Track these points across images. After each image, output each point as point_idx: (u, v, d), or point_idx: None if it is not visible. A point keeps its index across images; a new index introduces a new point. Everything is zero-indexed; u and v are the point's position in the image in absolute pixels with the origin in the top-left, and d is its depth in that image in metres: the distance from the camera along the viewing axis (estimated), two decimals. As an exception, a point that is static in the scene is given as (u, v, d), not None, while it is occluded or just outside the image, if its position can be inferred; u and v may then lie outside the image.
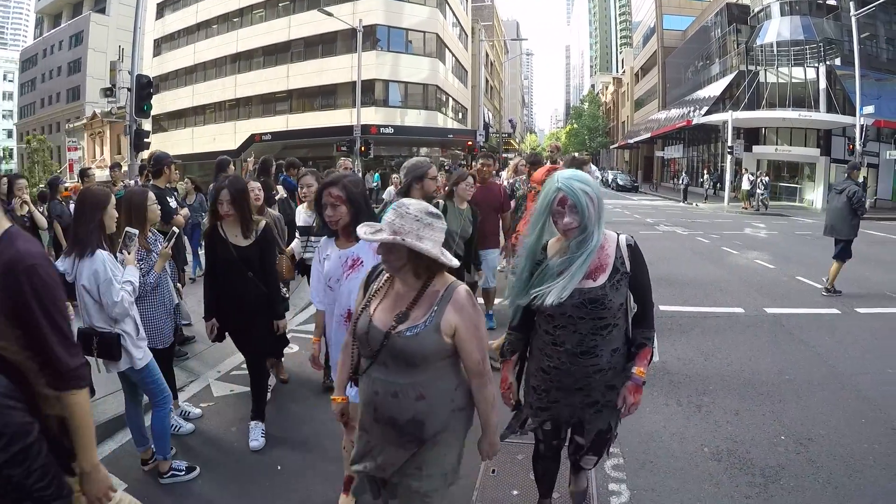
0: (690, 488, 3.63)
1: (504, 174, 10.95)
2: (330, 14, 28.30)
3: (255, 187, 5.44)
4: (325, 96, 39.34)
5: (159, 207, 4.25)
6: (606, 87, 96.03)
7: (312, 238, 5.31)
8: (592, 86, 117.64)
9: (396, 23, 38.29)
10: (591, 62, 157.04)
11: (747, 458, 3.97)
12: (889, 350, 6.39)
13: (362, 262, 3.11)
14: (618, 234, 2.60)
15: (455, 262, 2.22)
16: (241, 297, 4.17)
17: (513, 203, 7.80)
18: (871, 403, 4.92)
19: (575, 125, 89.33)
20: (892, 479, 3.73)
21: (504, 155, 44.82)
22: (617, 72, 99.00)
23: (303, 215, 5.64)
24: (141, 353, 3.54)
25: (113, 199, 3.52)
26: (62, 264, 3.36)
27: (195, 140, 43.87)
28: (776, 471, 3.80)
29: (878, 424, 4.51)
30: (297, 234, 5.74)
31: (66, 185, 10.22)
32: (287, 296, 5.25)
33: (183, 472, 3.75)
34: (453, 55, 45.25)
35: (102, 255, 3.31)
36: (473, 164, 9.68)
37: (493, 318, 6.76)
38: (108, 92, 19.43)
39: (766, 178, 29.16)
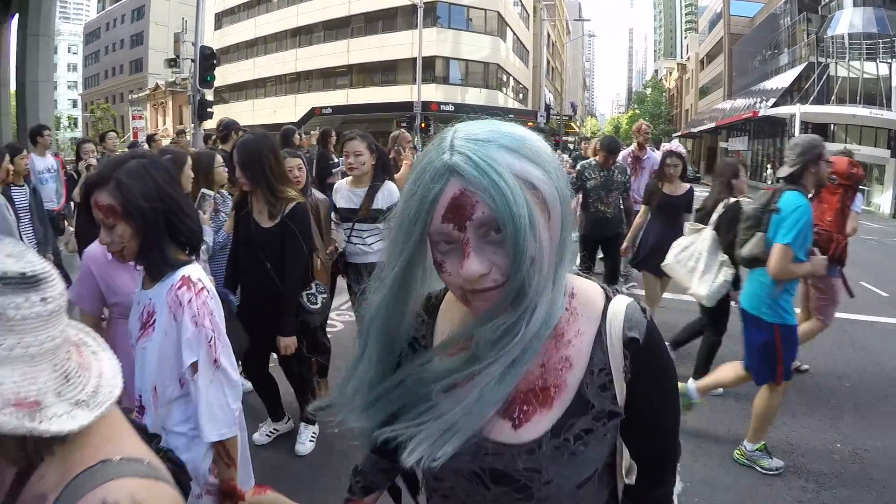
0: (743, 486, 3.67)
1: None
2: (390, -11, 28.38)
3: (295, 165, 4.06)
4: (385, 72, 39.70)
5: (226, 169, 4.30)
6: (670, 73, 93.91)
7: (359, 226, 4.21)
8: (656, 71, 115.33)
9: (457, -1, 38.14)
10: (654, 46, 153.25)
11: (801, 463, 3.98)
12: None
13: (155, 320, 1.88)
14: (607, 296, 1.05)
15: (65, 427, 0.83)
16: (256, 289, 3.51)
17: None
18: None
19: (637, 111, 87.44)
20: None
21: (563, 138, 44.25)
22: (681, 57, 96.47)
23: (344, 192, 4.28)
24: None
25: (189, 160, 3.70)
26: None
27: (256, 112, 44.72)
28: (830, 479, 3.80)
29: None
30: (333, 220, 4.41)
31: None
32: (317, 304, 3.66)
33: None
34: (514, 34, 44.92)
35: None
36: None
37: None
38: (172, 63, 20.22)
39: None
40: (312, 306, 3.62)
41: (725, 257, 4.41)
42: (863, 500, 3.63)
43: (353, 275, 4.39)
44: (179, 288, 1.83)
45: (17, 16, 10.72)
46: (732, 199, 4.51)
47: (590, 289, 1.05)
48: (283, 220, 3.33)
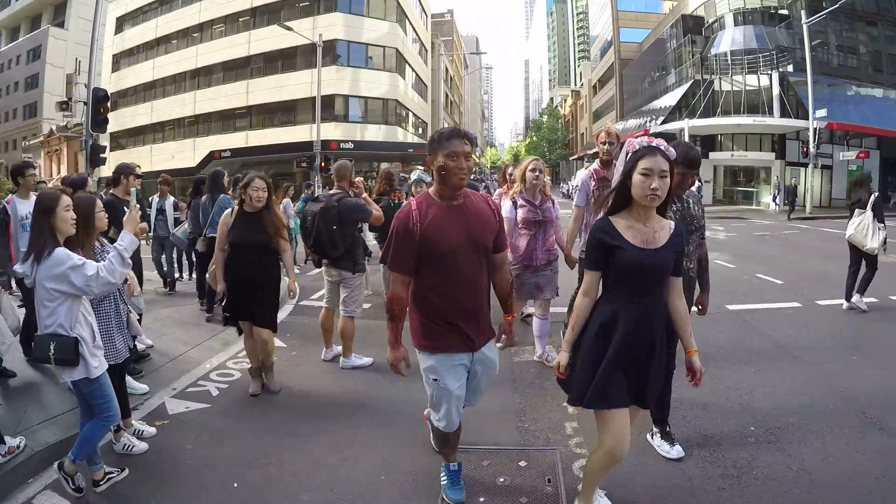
0: (662, 485, 3.53)
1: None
2: (290, 29, 27.97)
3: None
4: (284, 112, 39.06)
5: (107, 216, 4.01)
6: (565, 100, 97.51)
7: None
8: (551, 99, 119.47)
9: (356, 38, 38.40)
10: (549, 76, 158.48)
11: (718, 451, 3.90)
12: (852, 339, 6.51)
13: None
14: None
15: None
16: None
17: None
18: (838, 390, 4.93)
19: (535, 138, 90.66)
20: (860, 464, 3.70)
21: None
22: (575, 85, 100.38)
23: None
24: (97, 362, 3.36)
25: (65, 202, 3.41)
26: (21, 268, 3.33)
27: (154, 157, 42.89)
28: (748, 461, 3.74)
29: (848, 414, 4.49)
30: None
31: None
32: None
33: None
34: (413, 70, 45.56)
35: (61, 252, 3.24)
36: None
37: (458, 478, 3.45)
38: (64, 106, 19.02)
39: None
40: None
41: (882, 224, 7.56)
42: (784, 476, 3.57)
43: None
44: None
45: None
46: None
47: None
48: None
